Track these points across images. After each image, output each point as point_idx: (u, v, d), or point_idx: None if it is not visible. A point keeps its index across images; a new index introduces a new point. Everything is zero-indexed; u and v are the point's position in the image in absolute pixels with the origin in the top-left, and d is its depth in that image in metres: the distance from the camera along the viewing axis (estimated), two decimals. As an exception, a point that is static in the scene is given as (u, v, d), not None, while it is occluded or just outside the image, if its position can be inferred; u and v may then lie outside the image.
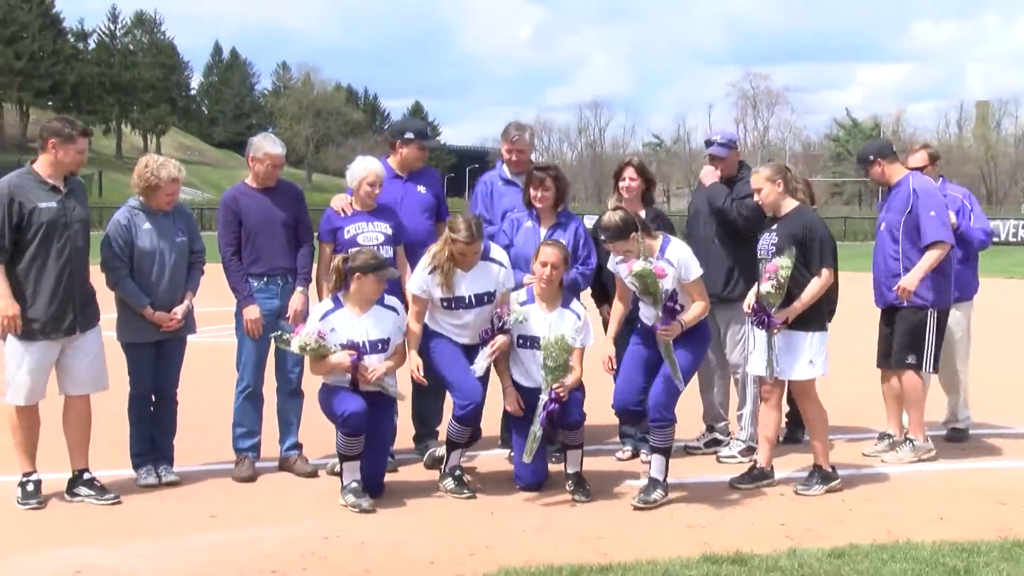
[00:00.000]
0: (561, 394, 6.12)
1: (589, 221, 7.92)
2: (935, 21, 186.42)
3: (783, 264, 6.16)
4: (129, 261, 6.33)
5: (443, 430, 6.73)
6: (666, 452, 6.15)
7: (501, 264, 6.47)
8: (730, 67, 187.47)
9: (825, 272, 6.36)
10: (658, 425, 6.10)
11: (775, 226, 6.45)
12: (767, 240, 6.45)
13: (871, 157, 7.24)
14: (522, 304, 6.45)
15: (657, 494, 6.04)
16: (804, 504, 6.18)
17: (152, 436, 6.57)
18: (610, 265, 6.41)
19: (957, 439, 7.65)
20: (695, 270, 6.16)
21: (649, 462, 6.33)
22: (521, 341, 6.40)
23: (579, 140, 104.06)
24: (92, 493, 6.11)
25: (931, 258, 6.90)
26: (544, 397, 6.13)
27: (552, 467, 6.70)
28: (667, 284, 6.03)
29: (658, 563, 4.98)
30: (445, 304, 6.38)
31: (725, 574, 4.84)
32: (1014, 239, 43.47)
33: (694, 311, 6.17)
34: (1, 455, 6.92)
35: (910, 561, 5.00)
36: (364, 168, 6.76)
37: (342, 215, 6.83)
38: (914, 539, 5.37)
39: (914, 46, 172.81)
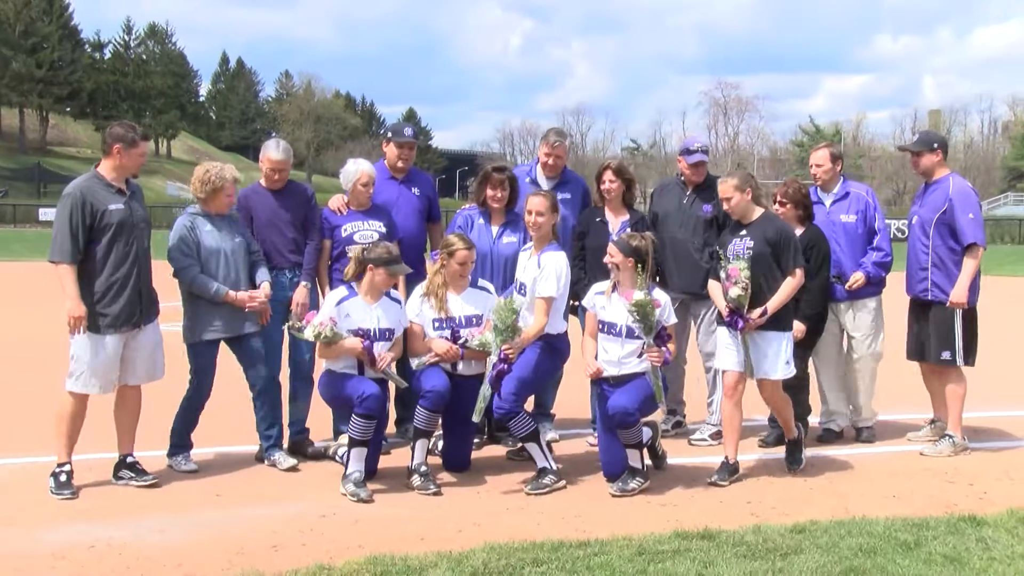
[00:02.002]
0: (510, 355, 6.04)
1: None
2: (894, 35, 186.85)
3: (742, 267, 6.11)
4: (198, 260, 6.28)
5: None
6: (638, 446, 6.09)
7: (489, 291, 6.48)
8: (703, 76, 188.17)
9: (799, 272, 6.30)
10: (625, 426, 5.99)
11: (744, 231, 6.33)
12: (740, 245, 6.30)
13: (935, 145, 7.12)
14: (524, 250, 6.46)
15: (635, 483, 5.98)
16: (768, 484, 6.20)
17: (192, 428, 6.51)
18: (585, 302, 6.39)
19: (866, 439, 7.30)
20: (675, 317, 6.24)
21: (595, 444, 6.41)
22: (516, 286, 6.40)
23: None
24: (133, 476, 6.10)
25: (972, 264, 6.81)
26: (493, 358, 6.07)
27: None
28: (659, 315, 6.03)
29: (633, 539, 4.99)
30: (437, 325, 6.35)
31: (695, 549, 4.85)
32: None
33: (673, 347, 6.21)
34: (31, 437, 6.92)
35: (865, 536, 5.04)
36: (356, 170, 6.79)
37: (338, 215, 6.82)
38: (869, 515, 5.41)
39: (874, 58, 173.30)
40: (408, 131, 7.37)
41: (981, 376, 7.31)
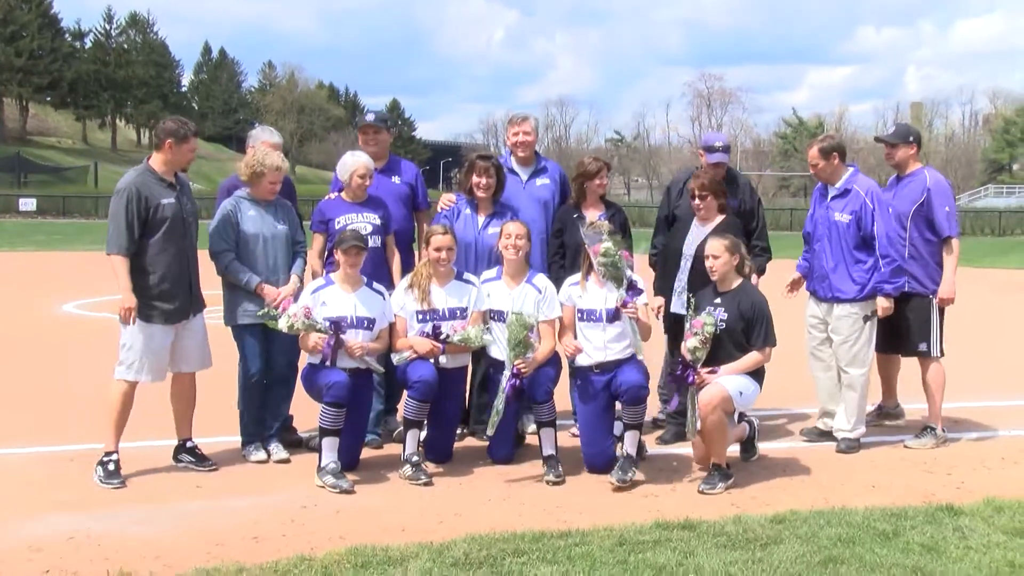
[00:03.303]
0: (523, 369, 6.08)
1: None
2: (877, 27, 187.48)
3: (707, 321, 5.98)
4: (235, 246, 6.34)
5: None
6: (640, 427, 6.12)
7: (473, 284, 6.46)
8: (687, 68, 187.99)
9: (768, 351, 6.12)
10: (638, 400, 6.03)
11: (718, 299, 6.16)
12: (715, 316, 6.08)
13: (911, 138, 7.14)
14: (489, 280, 6.45)
15: (632, 473, 5.98)
16: (749, 475, 6.22)
17: (263, 415, 6.57)
18: (560, 296, 6.40)
19: (842, 450, 6.86)
20: (642, 285, 6.28)
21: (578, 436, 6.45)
22: (491, 315, 6.39)
23: (546, 136, 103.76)
24: (193, 460, 6.23)
25: (954, 258, 6.93)
26: (507, 373, 6.10)
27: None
28: (629, 272, 6.05)
29: (614, 529, 5.01)
30: (420, 317, 6.33)
31: (676, 539, 4.87)
32: (945, 229, 43.64)
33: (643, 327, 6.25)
34: (20, 429, 6.88)
35: (844, 526, 5.07)
36: (354, 161, 6.73)
37: (330, 200, 6.81)
38: (849, 505, 5.44)
39: (857, 50, 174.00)
40: (370, 116, 7.32)
41: (959, 367, 7.36)
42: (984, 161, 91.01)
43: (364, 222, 6.68)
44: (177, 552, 4.75)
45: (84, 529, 5.05)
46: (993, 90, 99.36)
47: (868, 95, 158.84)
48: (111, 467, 5.92)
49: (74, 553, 4.74)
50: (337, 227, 6.67)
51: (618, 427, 6.37)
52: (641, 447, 6.52)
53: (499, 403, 6.10)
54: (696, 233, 6.76)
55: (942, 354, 7.04)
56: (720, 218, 6.76)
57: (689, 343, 6.03)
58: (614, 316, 6.15)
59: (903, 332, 7.05)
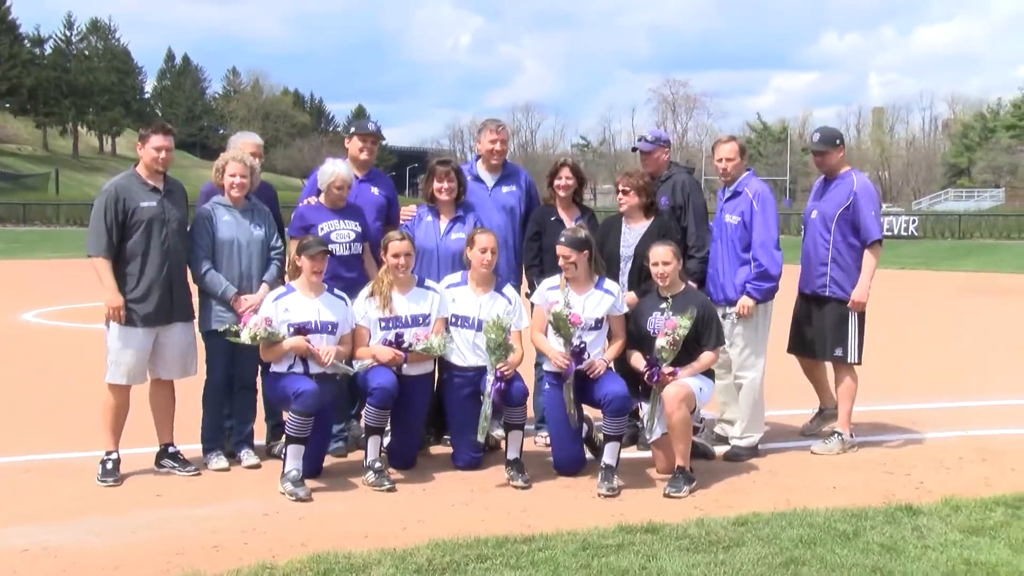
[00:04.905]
0: (506, 372, 6.08)
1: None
2: (840, 32, 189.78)
3: (682, 323, 6.01)
4: (212, 253, 6.30)
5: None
6: (621, 439, 6.10)
7: (435, 290, 6.45)
8: (653, 74, 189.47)
9: (718, 351, 6.37)
10: (621, 411, 6.01)
11: (663, 304, 6.21)
12: (662, 320, 6.14)
13: (838, 142, 7.06)
14: (454, 285, 6.44)
15: (617, 481, 5.96)
16: (712, 477, 6.25)
17: (230, 422, 6.55)
18: (535, 298, 6.42)
19: (729, 456, 6.74)
20: (626, 307, 6.30)
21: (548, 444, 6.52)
22: (454, 320, 6.39)
23: (512, 141, 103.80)
24: (176, 465, 6.24)
25: (873, 261, 6.86)
26: (490, 377, 6.09)
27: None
28: (577, 334, 6.07)
29: (577, 533, 5.01)
30: (383, 325, 6.30)
31: (639, 542, 4.88)
32: (905, 233, 44.11)
33: (615, 348, 6.27)
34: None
35: (806, 527, 5.11)
36: (333, 171, 6.63)
37: (310, 205, 6.74)
38: (810, 507, 5.48)
39: (821, 55, 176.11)
40: (371, 124, 7.34)
41: (919, 369, 7.45)
42: (944, 165, 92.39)
43: (347, 229, 6.66)
44: (135, 563, 4.69)
45: (40, 542, 4.96)
46: (952, 95, 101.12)
47: (831, 100, 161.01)
48: (108, 466, 6.03)
49: (30, 566, 4.66)
50: (320, 234, 6.59)
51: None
52: (600, 449, 6.51)
53: (486, 408, 6.09)
54: (630, 234, 6.77)
55: (859, 361, 6.98)
56: (649, 220, 6.78)
57: (659, 342, 6.08)
58: (590, 326, 6.17)
59: (818, 336, 6.99)
